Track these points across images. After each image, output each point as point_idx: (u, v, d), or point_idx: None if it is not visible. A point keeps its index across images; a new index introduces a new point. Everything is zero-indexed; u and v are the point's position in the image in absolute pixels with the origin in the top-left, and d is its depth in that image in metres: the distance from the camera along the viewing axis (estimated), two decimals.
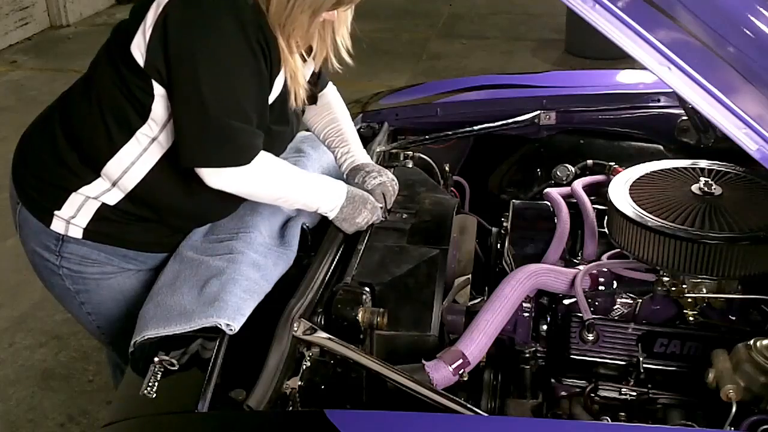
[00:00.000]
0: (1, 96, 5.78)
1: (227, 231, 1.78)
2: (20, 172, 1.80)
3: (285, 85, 1.67)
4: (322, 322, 1.56)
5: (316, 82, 1.94)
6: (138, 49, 1.56)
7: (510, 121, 2.42)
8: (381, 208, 1.84)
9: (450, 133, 2.39)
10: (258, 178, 1.66)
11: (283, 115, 1.74)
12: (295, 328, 1.45)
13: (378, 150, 2.21)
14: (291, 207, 1.81)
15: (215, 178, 1.60)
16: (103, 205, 1.70)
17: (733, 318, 1.67)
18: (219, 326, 1.47)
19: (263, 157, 1.65)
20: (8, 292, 3.44)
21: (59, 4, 7.33)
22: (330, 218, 1.77)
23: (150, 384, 1.39)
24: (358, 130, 2.35)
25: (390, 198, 1.90)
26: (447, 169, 2.27)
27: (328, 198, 1.75)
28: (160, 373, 1.42)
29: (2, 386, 2.91)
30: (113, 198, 1.69)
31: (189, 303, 1.54)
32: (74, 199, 1.69)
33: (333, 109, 2.03)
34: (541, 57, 6.23)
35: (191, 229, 1.81)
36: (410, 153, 2.20)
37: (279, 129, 1.75)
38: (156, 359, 1.44)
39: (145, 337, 1.51)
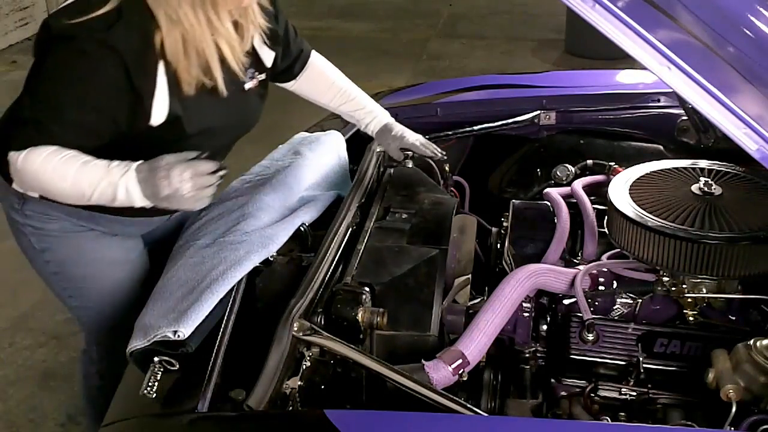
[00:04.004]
0: (1, 96, 5.76)
1: (213, 235, 1.79)
2: None
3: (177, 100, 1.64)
4: (322, 322, 1.56)
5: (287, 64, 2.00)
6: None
7: (510, 121, 2.42)
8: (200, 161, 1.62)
9: (450, 133, 2.39)
10: (27, 170, 1.59)
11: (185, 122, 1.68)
12: (295, 328, 1.45)
13: (378, 150, 2.21)
14: (92, 202, 1.62)
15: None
16: None
17: (733, 318, 1.67)
18: (168, 337, 1.48)
19: (40, 151, 1.57)
20: (8, 292, 3.43)
21: (59, 4, 7.33)
22: (146, 205, 1.61)
23: (150, 384, 1.40)
24: (358, 131, 2.36)
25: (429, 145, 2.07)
26: (447, 169, 2.27)
27: (119, 188, 1.57)
28: (160, 373, 1.42)
29: (2, 386, 2.91)
30: None
31: (149, 317, 1.56)
32: None
33: (329, 76, 2.10)
34: (541, 57, 6.23)
35: None
36: (410, 153, 2.20)
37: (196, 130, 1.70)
38: (156, 359, 1.44)
39: (130, 351, 1.52)
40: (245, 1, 1.64)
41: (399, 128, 2.11)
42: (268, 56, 1.87)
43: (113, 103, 1.59)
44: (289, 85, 2.10)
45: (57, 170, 1.58)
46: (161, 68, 1.60)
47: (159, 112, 1.63)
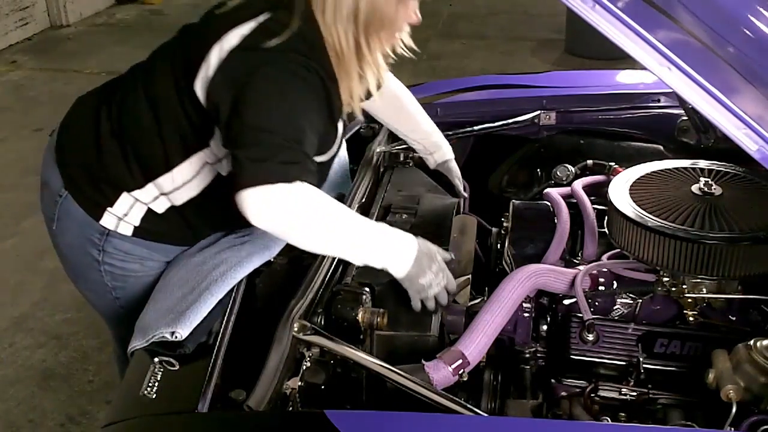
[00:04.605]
0: (1, 96, 5.78)
1: (216, 235, 1.78)
2: (71, 164, 1.76)
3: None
4: (322, 323, 1.56)
5: None
6: (201, 89, 1.56)
7: (510, 121, 2.42)
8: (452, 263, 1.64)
9: (450, 133, 2.38)
10: (301, 205, 1.48)
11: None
12: (295, 329, 1.45)
13: (378, 150, 2.21)
14: (345, 255, 1.57)
15: (250, 201, 1.44)
16: (150, 210, 1.70)
17: (733, 318, 1.67)
18: (166, 338, 1.48)
19: (311, 187, 1.49)
20: (8, 292, 3.43)
21: (59, 4, 7.33)
22: (397, 277, 1.58)
23: (150, 384, 1.40)
24: (358, 130, 2.36)
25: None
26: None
27: (392, 250, 1.54)
28: (160, 373, 1.42)
29: (2, 386, 2.91)
30: (161, 206, 1.69)
31: (149, 317, 1.56)
32: (126, 199, 1.69)
33: (403, 99, 2.10)
34: (541, 57, 6.23)
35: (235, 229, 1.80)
36: (410, 153, 2.20)
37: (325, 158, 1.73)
38: (156, 359, 1.44)
39: (130, 351, 1.53)
40: (399, 33, 1.67)
41: (456, 165, 2.15)
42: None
43: (325, 122, 1.61)
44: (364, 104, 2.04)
45: (330, 210, 1.51)
46: None
47: (339, 133, 1.67)
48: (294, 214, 1.48)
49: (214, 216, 1.74)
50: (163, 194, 1.68)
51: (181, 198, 1.68)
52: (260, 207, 1.45)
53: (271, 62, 1.52)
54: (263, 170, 1.45)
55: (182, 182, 1.66)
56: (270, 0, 1.57)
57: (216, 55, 1.54)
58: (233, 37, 1.54)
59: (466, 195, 2.16)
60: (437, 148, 2.13)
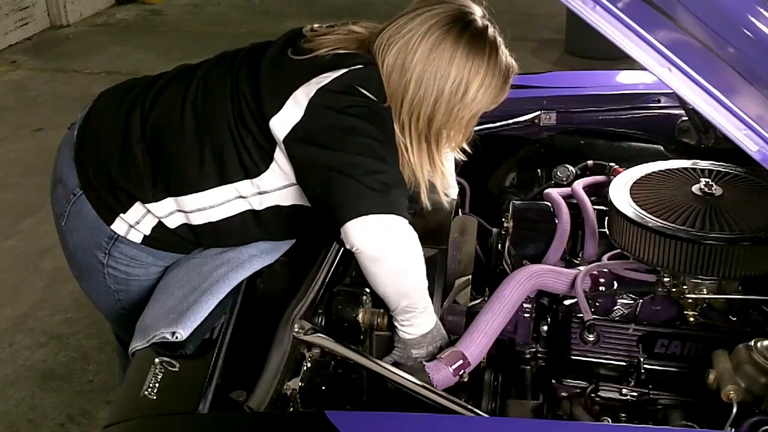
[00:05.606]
0: (1, 96, 5.77)
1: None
2: (90, 164, 1.72)
3: None
4: (323, 323, 1.56)
5: None
6: (280, 125, 1.53)
7: (510, 121, 2.42)
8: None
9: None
10: (402, 239, 1.51)
11: None
12: (296, 329, 1.45)
13: None
14: (395, 299, 1.56)
15: (369, 225, 1.46)
16: (162, 223, 1.68)
17: (734, 319, 1.67)
18: (166, 338, 1.48)
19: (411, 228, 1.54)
20: (8, 292, 3.43)
21: (59, 4, 7.32)
22: (401, 336, 1.58)
23: (151, 385, 1.40)
24: None
25: None
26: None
27: (419, 315, 1.57)
28: (161, 374, 1.42)
29: (2, 386, 2.91)
30: (175, 222, 1.67)
31: (149, 318, 1.56)
32: (138, 209, 1.67)
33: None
34: (541, 57, 6.22)
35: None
36: None
37: None
38: (157, 360, 1.44)
39: (131, 351, 1.53)
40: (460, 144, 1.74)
41: None
42: None
43: None
44: None
45: (419, 255, 1.55)
46: None
47: None
48: (400, 246, 1.51)
49: (227, 241, 1.72)
50: (180, 211, 1.66)
51: (198, 219, 1.66)
52: (378, 232, 1.47)
53: (374, 107, 1.54)
54: (389, 200, 1.48)
55: (207, 206, 1.63)
56: (361, 57, 1.57)
57: (304, 92, 1.52)
58: (324, 79, 1.53)
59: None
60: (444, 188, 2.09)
